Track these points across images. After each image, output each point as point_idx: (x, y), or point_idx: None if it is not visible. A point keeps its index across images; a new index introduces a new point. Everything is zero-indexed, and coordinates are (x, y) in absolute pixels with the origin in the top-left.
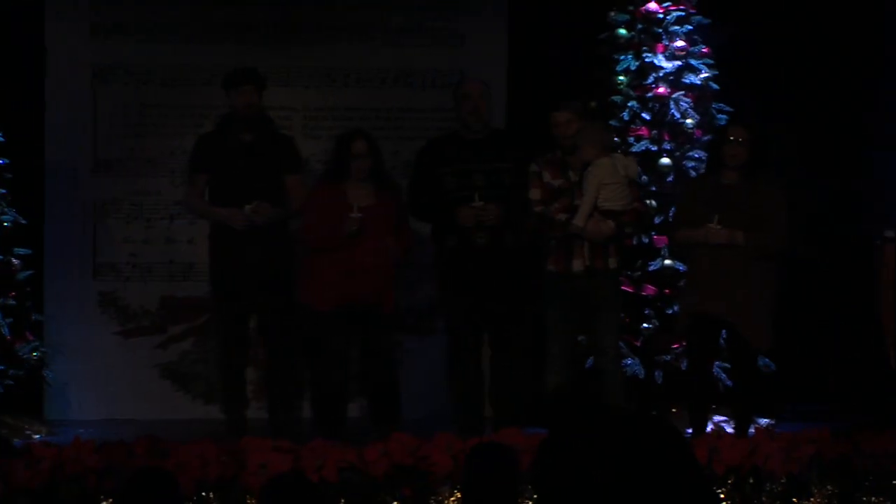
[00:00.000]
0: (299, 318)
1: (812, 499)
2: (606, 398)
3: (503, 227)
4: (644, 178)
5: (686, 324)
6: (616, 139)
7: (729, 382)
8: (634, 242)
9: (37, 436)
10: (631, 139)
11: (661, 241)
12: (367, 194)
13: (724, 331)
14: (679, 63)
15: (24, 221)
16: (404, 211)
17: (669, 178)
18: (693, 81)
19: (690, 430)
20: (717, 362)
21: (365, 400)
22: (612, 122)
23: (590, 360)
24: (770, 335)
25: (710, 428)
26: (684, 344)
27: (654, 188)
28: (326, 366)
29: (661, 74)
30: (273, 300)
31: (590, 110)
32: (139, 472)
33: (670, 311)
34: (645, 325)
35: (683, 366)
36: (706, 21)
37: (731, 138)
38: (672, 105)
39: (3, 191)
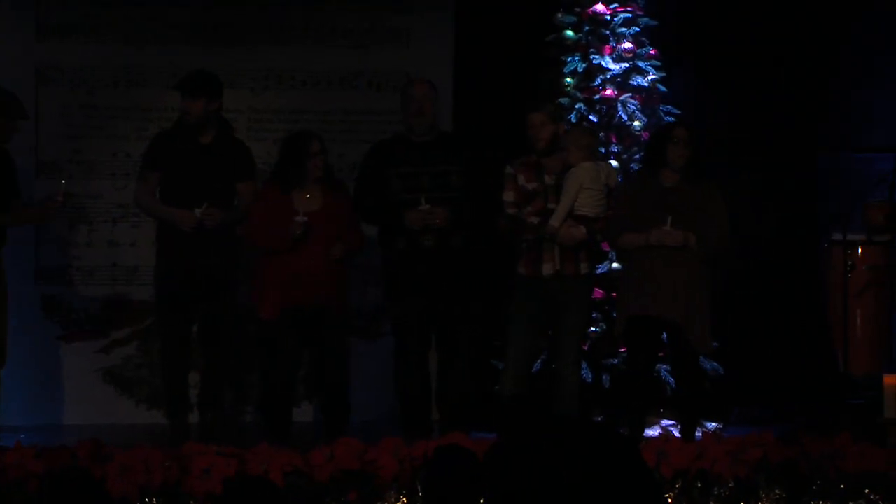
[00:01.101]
0: (247, 320)
1: (759, 502)
2: (563, 403)
3: (451, 229)
4: None
5: (627, 326)
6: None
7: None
8: None
9: None
10: None
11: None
12: (316, 198)
13: (664, 333)
14: (626, 65)
15: None
16: (354, 213)
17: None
18: (640, 83)
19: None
20: (663, 366)
21: (312, 403)
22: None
23: (538, 364)
24: (711, 338)
25: (657, 432)
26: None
27: None
28: (275, 369)
29: (608, 76)
30: (217, 303)
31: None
32: (60, 474)
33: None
34: (592, 328)
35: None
36: (653, 23)
37: (676, 139)
38: (619, 107)
39: None
